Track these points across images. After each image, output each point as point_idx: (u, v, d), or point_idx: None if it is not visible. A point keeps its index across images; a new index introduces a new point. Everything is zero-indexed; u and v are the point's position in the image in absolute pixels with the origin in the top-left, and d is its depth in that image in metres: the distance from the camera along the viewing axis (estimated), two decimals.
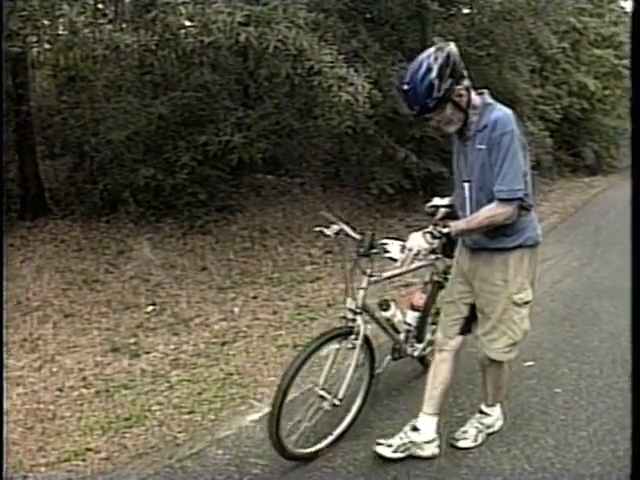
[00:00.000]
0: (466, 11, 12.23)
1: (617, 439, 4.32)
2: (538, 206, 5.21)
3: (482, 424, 4.21)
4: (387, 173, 10.91)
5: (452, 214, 4.05)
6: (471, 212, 3.65)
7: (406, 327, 4.74)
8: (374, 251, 3.95)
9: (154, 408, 4.60)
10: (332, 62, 7.51)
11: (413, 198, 11.62)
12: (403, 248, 3.65)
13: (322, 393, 3.98)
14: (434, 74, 3.31)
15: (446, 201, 4.26)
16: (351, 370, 4.01)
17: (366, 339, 4.08)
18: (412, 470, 3.87)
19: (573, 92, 18.75)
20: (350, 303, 4.04)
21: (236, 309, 6.67)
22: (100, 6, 8.19)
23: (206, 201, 9.33)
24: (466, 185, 3.68)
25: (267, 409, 4.56)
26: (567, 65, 18.44)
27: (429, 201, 4.41)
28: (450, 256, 4.25)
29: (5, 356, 5.48)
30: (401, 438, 3.95)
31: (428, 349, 5.03)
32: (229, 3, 7.06)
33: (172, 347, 5.70)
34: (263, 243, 8.99)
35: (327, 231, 4.21)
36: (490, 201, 3.50)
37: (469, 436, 4.14)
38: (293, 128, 10.22)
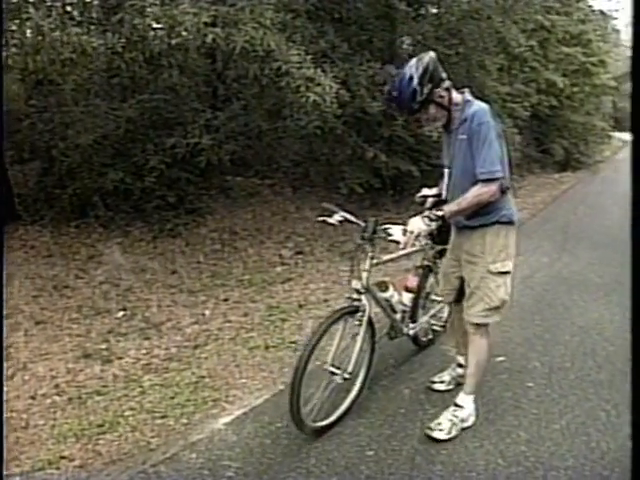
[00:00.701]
0: (434, 11, 12.26)
1: (590, 431, 4.43)
2: None
3: (456, 417, 4.43)
4: (356, 172, 10.92)
5: (440, 202, 4.45)
6: (453, 196, 4.21)
7: (402, 307, 5.14)
8: (377, 236, 4.39)
9: (127, 414, 4.59)
10: (300, 62, 7.51)
11: (383, 197, 11.70)
12: (405, 231, 4.07)
13: (332, 369, 4.27)
14: (415, 82, 3.95)
15: (434, 191, 4.79)
16: (358, 345, 4.34)
17: (369, 317, 4.42)
18: (386, 469, 3.93)
19: (541, 89, 18.83)
20: (355, 284, 4.39)
21: (207, 312, 6.66)
22: (68, 9, 8.15)
23: (175, 204, 9.28)
24: (446, 171, 4.37)
25: (238, 412, 4.61)
26: (535, 63, 18.49)
27: (419, 191, 4.95)
28: (440, 242, 4.83)
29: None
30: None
31: (422, 328, 5.54)
32: (196, 4, 7.03)
33: (144, 352, 5.68)
34: (233, 245, 8.99)
35: (330, 220, 4.68)
36: (472, 184, 4.03)
37: (443, 428, 4.35)
38: (262, 129, 10.18)
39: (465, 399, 4.52)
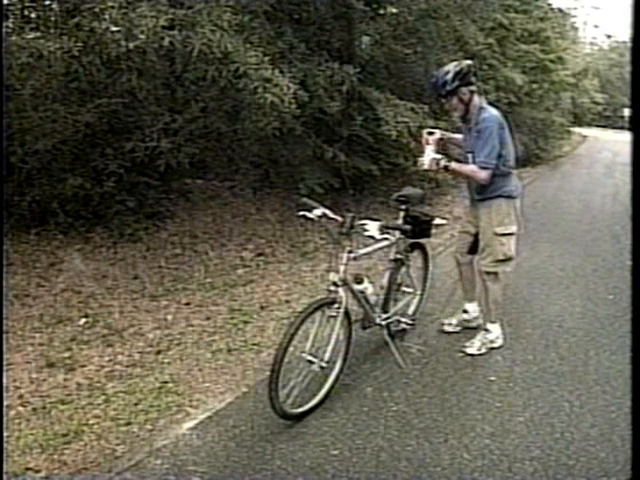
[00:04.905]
0: (393, 10, 12.24)
1: (554, 422, 4.54)
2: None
3: (486, 339, 5.87)
4: (316, 173, 10.89)
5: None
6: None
7: (375, 299, 5.44)
8: (355, 231, 4.81)
9: (91, 422, 4.56)
10: (257, 64, 7.49)
11: (343, 197, 11.69)
12: (380, 227, 4.93)
13: (310, 358, 4.51)
14: (450, 76, 5.33)
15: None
16: (335, 335, 4.61)
17: (346, 309, 4.70)
18: (351, 467, 3.97)
19: (500, 87, 18.80)
20: (333, 276, 4.68)
21: (169, 316, 6.62)
22: (25, 12, 8.08)
23: (135, 208, 9.16)
24: (469, 155, 5.57)
25: (202, 416, 4.61)
26: (494, 61, 18.48)
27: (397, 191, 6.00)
28: (414, 237, 5.77)
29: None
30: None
31: (393, 318, 5.81)
32: (153, 7, 6.99)
33: (107, 359, 5.63)
34: (194, 248, 8.95)
35: (310, 215, 4.95)
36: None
37: (475, 345, 5.82)
38: (221, 131, 10.10)
39: (491, 326, 5.94)
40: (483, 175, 5.38)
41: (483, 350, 5.78)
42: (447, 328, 6.35)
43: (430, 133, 5.70)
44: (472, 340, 5.87)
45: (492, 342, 5.87)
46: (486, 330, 5.93)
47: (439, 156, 5.43)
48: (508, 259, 5.72)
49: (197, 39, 7.05)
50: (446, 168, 5.44)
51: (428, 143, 5.62)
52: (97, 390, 5.06)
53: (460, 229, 6.43)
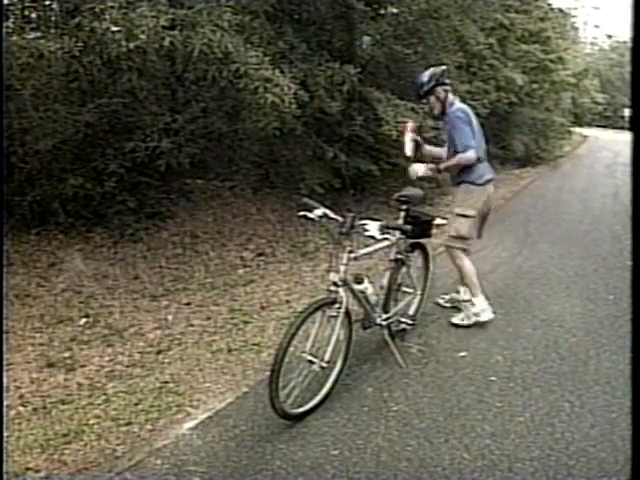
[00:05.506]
0: (394, 10, 12.21)
1: (554, 422, 4.52)
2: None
3: (469, 311, 6.45)
4: (317, 173, 10.87)
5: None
6: (448, 159, 6.30)
7: (375, 299, 5.41)
8: (355, 231, 4.82)
9: (92, 422, 4.56)
10: (258, 64, 7.48)
11: (344, 197, 11.67)
12: (382, 227, 4.97)
13: (310, 358, 4.50)
14: (425, 78, 6.23)
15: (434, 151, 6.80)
16: (335, 335, 4.61)
17: (346, 309, 4.69)
18: (352, 467, 3.97)
19: (501, 87, 18.71)
20: (333, 276, 4.67)
21: (170, 316, 6.63)
22: (25, 12, 8.06)
23: (136, 208, 9.13)
24: (447, 147, 6.34)
25: (203, 416, 4.61)
26: (494, 61, 18.40)
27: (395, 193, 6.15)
28: (414, 237, 5.79)
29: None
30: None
31: (393, 318, 5.79)
32: (154, 7, 6.98)
33: (107, 359, 5.63)
34: (195, 249, 8.94)
35: (311, 215, 4.94)
36: (455, 154, 6.14)
37: (458, 316, 6.48)
38: (221, 131, 10.08)
39: (475, 299, 6.44)
40: (469, 155, 6.06)
41: (466, 322, 6.44)
42: (440, 301, 7.14)
43: (406, 122, 6.80)
44: (458, 313, 6.58)
45: (476, 315, 6.43)
46: (469, 302, 6.52)
47: (430, 165, 6.33)
48: (460, 237, 6.32)
49: (197, 39, 7.04)
50: (439, 170, 6.30)
51: (407, 131, 6.44)
52: (97, 390, 5.05)
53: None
